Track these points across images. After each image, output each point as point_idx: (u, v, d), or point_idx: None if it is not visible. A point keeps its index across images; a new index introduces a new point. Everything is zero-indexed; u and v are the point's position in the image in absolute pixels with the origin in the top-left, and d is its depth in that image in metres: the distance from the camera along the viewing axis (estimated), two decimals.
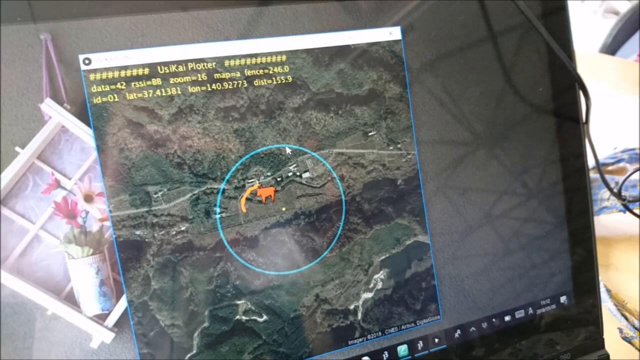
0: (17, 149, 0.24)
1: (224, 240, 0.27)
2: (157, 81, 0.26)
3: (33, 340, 0.24)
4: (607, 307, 0.42)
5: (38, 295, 0.24)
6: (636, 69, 0.66)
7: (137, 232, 0.25)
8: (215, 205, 0.27)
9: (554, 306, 0.35)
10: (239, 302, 0.27)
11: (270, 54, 0.27)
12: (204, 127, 0.26)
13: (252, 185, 0.28)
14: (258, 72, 0.27)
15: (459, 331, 0.32)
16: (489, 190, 0.33)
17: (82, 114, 0.25)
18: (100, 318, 0.25)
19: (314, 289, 0.29)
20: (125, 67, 0.25)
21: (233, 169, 0.27)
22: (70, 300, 0.25)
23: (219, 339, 0.27)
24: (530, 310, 0.34)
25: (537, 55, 0.34)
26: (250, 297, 0.27)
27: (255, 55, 0.27)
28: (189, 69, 0.26)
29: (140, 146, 0.25)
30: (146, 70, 0.25)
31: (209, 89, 0.26)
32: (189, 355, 0.26)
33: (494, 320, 0.33)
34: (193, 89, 0.26)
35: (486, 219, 0.33)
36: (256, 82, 0.27)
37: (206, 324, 0.27)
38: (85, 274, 0.25)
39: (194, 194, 0.26)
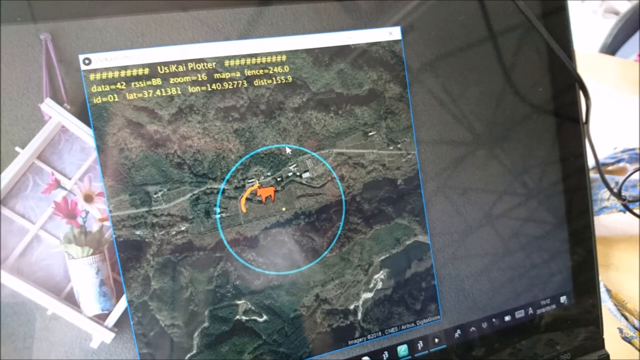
0: (17, 149, 0.24)
1: (224, 240, 0.27)
2: (157, 81, 0.26)
3: (33, 340, 0.24)
4: (607, 307, 0.42)
5: (38, 295, 0.24)
6: (636, 69, 0.66)
7: (137, 232, 0.25)
8: (215, 205, 0.27)
9: (554, 306, 0.35)
10: (239, 302, 0.27)
11: (270, 54, 0.27)
12: (204, 127, 0.26)
13: (252, 185, 0.28)
14: (258, 72, 0.27)
15: (459, 331, 0.32)
16: (489, 190, 0.33)
17: (82, 114, 0.25)
18: (100, 318, 0.25)
19: (314, 289, 0.29)
20: (125, 67, 0.25)
21: (233, 169, 0.27)
22: (70, 300, 0.25)
23: (219, 339, 0.27)
24: (530, 310, 0.34)
25: (537, 55, 0.34)
26: (250, 297, 0.27)
27: (255, 55, 0.27)
28: (189, 69, 0.26)
29: (140, 146, 0.25)
30: (146, 70, 0.25)
31: (209, 89, 0.26)
32: (189, 355, 0.26)
33: (494, 320, 0.33)
34: (193, 89, 0.26)
35: (486, 219, 0.33)
36: (256, 82, 0.27)
37: (206, 324, 0.27)
38: (85, 274, 0.25)
39: (194, 194, 0.26)
